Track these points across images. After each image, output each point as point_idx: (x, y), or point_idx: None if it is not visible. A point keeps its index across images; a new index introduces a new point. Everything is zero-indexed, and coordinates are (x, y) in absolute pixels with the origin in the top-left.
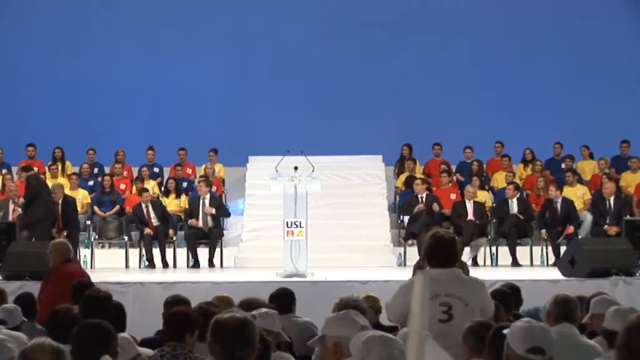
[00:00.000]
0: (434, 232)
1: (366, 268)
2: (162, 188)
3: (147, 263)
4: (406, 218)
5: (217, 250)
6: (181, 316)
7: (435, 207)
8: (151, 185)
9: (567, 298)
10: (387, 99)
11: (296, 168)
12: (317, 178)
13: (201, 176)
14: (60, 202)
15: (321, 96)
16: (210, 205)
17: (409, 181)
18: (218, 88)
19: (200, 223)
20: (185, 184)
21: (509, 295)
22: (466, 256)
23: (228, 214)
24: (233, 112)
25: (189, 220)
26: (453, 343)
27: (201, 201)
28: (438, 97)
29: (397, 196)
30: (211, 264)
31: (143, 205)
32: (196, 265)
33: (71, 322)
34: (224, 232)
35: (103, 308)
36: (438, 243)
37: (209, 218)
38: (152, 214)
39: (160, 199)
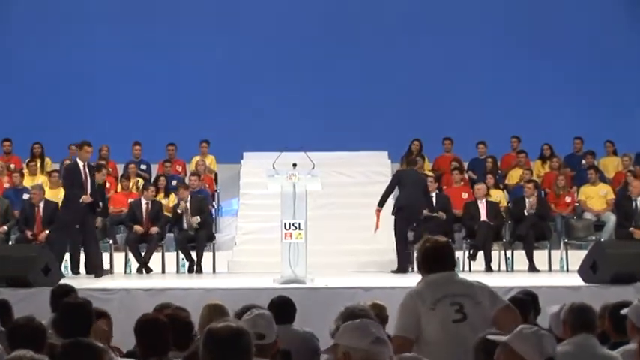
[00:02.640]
0: (426, 239)
1: (370, 274)
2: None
3: (135, 267)
4: None
5: (209, 254)
6: (152, 324)
7: (442, 215)
8: (138, 183)
9: (584, 306)
10: (393, 90)
11: (294, 165)
12: (317, 176)
13: (192, 173)
14: (41, 205)
15: (321, 88)
16: (192, 209)
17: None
18: (210, 79)
19: (185, 225)
20: (175, 182)
21: (525, 303)
22: (480, 260)
23: (210, 220)
24: (226, 104)
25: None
26: (473, 344)
27: (181, 203)
28: (448, 88)
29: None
30: (198, 269)
31: (143, 202)
32: (191, 269)
33: (33, 332)
34: (215, 234)
35: (81, 317)
36: (433, 249)
37: (193, 225)
38: (149, 214)
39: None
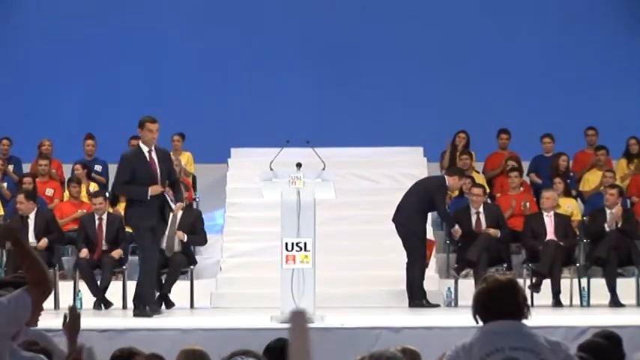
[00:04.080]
0: (485, 277)
1: (399, 310)
2: (109, 193)
3: (88, 301)
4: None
5: (185, 284)
6: None
7: (457, 232)
8: (91, 189)
9: None
10: (429, 69)
11: (299, 165)
12: (329, 180)
13: None
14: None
15: (333, 65)
16: (181, 224)
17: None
18: (187, 54)
19: (163, 244)
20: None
21: (605, 348)
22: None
23: (204, 241)
24: (207, 85)
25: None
26: None
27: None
28: (502, 68)
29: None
30: (168, 303)
31: (96, 217)
32: (166, 303)
33: None
34: (196, 257)
35: None
36: (489, 292)
37: (176, 240)
38: (104, 233)
39: (107, 209)
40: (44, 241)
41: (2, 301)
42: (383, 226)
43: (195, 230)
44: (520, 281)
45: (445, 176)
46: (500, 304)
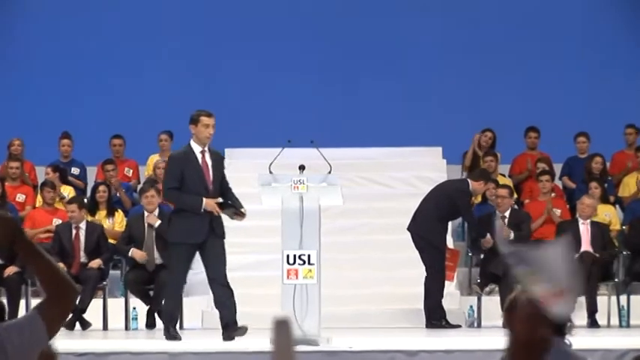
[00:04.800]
0: (518, 291)
1: (414, 331)
2: (87, 199)
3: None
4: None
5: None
6: None
7: (488, 242)
8: (66, 193)
9: None
10: (449, 60)
11: (302, 168)
12: (336, 185)
13: (148, 179)
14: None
15: (340, 56)
16: (160, 226)
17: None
18: (175, 44)
19: (143, 260)
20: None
21: None
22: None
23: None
24: (199, 77)
25: (132, 251)
26: None
27: (146, 223)
28: (531, 59)
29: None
30: (151, 323)
31: (72, 227)
32: (150, 323)
33: None
34: None
35: None
36: (525, 308)
37: (155, 251)
38: (82, 243)
39: (86, 217)
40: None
41: (11, 330)
42: (397, 237)
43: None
44: None
45: (468, 180)
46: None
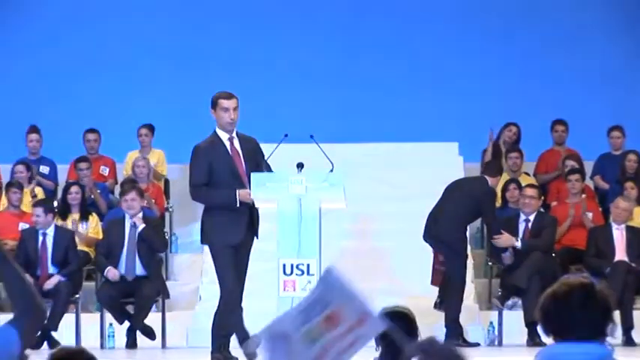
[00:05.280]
0: (562, 281)
1: None
2: (58, 202)
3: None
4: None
5: (156, 317)
6: None
7: (507, 259)
8: (36, 196)
9: None
10: (466, 48)
11: (301, 166)
12: (339, 185)
13: (127, 179)
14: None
15: (342, 41)
16: (144, 231)
17: (508, 190)
18: (158, 30)
19: (122, 269)
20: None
21: None
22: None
23: (162, 246)
24: (183, 68)
25: (107, 270)
26: None
27: (127, 227)
28: (556, 45)
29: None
30: (132, 342)
31: (39, 234)
32: (130, 342)
33: None
34: (167, 285)
35: None
36: (566, 300)
37: (137, 260)
38: (50, 252)
39: (55, 222)
40: None
41: None
42: (408, 242)
43: (153, 232)
44: None
45: (486, 177)
46: (572, 317)
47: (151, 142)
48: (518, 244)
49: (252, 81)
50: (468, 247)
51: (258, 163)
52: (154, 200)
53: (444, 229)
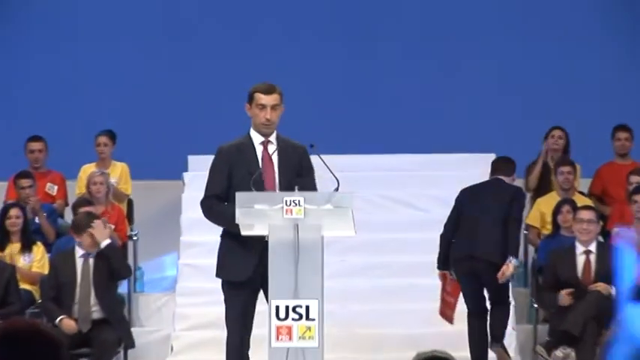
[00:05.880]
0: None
1: None
2: None
3: None
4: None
5: None
6: None
7: (565, 299)
8: None
9: None
10: (500, 31)
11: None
12: (347, 207)
13: (80, 200)
14: None
15: (349, 27)
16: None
17: (560, 213)
18: (123, 14)
19: (75, 313)
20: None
21: None
22: None
23: (127, 270)
24: (151, 63)
25: (60, 319)
26: None
27: (78, 259)
28: (619, 29)
29: (531, 248)
30: None
31: None
32: None
33: None
34: (132, 331)
35: None
36: None
37: (92, 297)
38: None
39: None
40: None
41: None
42: (431, 280)
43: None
44: None
45: (502, 178)
46: None
47: (111, 154)
48: (611, 291)
49: (238, 78)
50: (510, 285)
51: (295, 176)
52: (113, 226)
53: (485, 243)
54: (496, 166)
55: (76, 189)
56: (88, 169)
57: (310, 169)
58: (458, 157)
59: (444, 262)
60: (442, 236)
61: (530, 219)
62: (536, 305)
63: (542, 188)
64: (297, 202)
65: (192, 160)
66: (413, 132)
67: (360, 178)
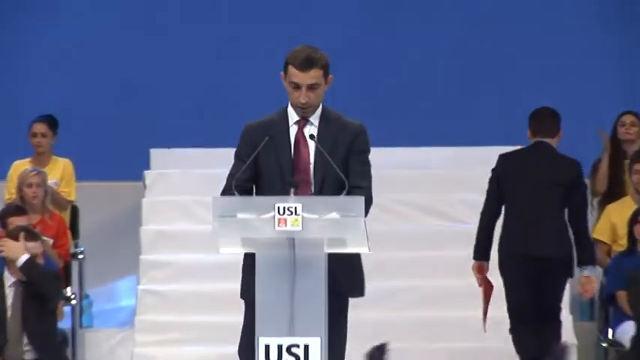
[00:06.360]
0: None
1: None
2: None
3: None
4: (624, 334)
5: None
6: None
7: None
8: None
9: None
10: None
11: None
12: (357, 217)
13: (9, 207)
14: None
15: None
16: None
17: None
18: None
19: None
20: None
21: None
22: None
23: (49, 290)
24: (106, 40)
25: None
26: None
27: (8, 288)
28: None
29: (599, 270)
30: None
31: None
32: None
33: None
34: None
35: None
36: None
37: (24, 336)
38: None
39: None
40: None
41: None
42: (466, 313)
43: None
44: None
45: (549, 143)
46: None
47: (50, 147)
48: None
49: (216, 56)
50: (570, 318)
51: (338, 162)
52: (51, 241)
53: (550, 239)
54: (537, 123)
55: (5, 192)
56: (21, 166)
57: (361, 152)
58: (493, 150)
59: (483, 251)
60: (482, 215)
61: (597, 232)
62: (604, 344)
63: (611, 191)
64: (292, 209)
65: (155, 154)
66: (437, 120)
67: (376, 178)
